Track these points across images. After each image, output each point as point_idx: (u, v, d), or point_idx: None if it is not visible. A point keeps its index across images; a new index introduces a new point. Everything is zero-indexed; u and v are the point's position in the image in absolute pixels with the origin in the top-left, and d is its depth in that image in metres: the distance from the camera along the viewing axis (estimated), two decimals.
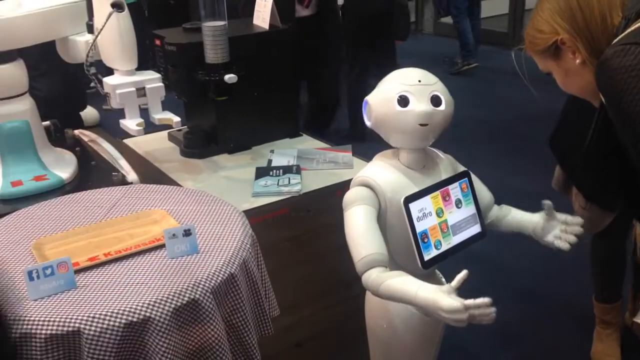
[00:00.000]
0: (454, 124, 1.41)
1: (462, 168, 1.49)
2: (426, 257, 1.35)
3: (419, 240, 1.33)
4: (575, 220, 1.39)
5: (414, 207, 1.33)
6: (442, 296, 1.17)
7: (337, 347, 1.90)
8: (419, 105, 1.32)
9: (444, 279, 1.57)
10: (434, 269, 1.51)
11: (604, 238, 2.01)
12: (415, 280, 1.25)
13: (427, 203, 1.35)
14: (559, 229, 1.43)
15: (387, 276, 1.27)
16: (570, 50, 1.15)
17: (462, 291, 1.21)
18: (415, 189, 1.36)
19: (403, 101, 1.32)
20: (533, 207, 1.43)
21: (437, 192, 1.38)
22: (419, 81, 1.34)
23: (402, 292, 1.24)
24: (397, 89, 1.33)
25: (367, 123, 1.38)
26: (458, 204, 1.41)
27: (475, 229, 1.44)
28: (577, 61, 1.15)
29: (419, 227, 1.33)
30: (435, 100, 1.34)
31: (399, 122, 1.33)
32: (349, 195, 1.36)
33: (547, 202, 1.40)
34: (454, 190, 1.41)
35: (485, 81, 5.39)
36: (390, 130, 1.36)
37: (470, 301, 1.15)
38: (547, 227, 1.44)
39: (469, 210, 1.43)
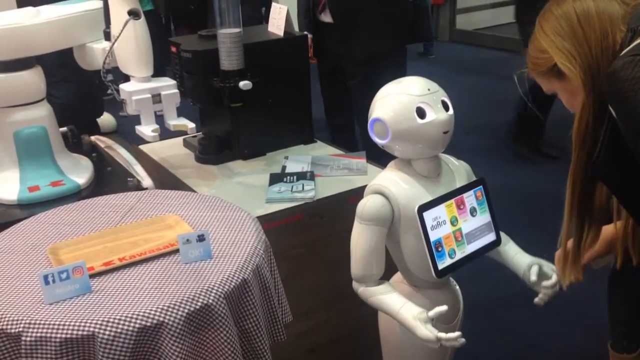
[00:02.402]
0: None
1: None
2: (440, 266, 1.34)
3: (433, 249, 1.33)
4: (550, 283, 1.43)
5: (428, 215, 1.32)
6: (419, 325, 1.29)
7: (351, 353, 1.90)
8: (438, 114, 1.32)
9: (457, 287, 1.56)
10: (448, 277, 1.50)
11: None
12: (400, 299, 1.36)
13: (441, 212, 1.35)
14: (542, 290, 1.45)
15: (376, 291, 1.39)
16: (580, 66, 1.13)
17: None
18: (429, 198, 1.35)
19: (420, 113, 1.31)
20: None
21: (452, 201, 1.37)
22: (429, 90, 1.33)
23: (387, 309, 1.37)
24: (412, 102, 1.31)
25: (381, 142, 1.36)
26: (473, 212, 1.40)
27: (490, 237, 1.43)
28: None
29: (433, 236, 1.33)
30: (445, 106, 1.34)
31: (423, 134, 1.32)
32: (367, 209, 1.36)
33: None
34: (469, 198, 1.40)
35: (502, 88, 5.36)
36: (412, 144, 1.34)
37: (442, 335, 1.26)
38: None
39: (484, 218, 1.42)
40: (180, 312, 1.12)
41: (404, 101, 1.32)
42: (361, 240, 1.37)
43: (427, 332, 1.27)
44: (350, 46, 3.00)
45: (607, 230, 1.32)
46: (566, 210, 1.20)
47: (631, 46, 1.04)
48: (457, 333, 1.27)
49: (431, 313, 1.29)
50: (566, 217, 1.21)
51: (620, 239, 1.30)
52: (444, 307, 1.30)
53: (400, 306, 1.34)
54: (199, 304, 1.14)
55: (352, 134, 3.35)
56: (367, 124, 1.38)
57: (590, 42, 1.09)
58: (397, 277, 1.52)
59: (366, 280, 1.40)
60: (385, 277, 1.55)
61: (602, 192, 1.20)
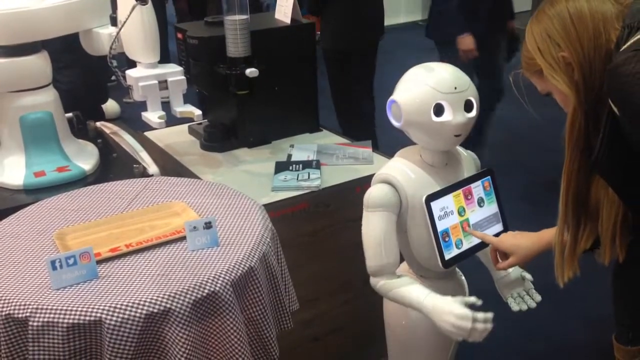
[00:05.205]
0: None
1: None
2: (447, 256, 1.34)
3: (440, 239, 1.32)
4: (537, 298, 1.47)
5: (436, 205, 1.32)
6: (456, 304, 1.25)
7: (355, 341, 1.90)
8: (455, 116, 1.27)
9: (463, 277, 1.56)
10: (454, 268, 1.50)
11: None
12: (424, 289, 1.31)
13: (448, 202, 1.34)
14: (522, 290, 1.48)
15: (397, 284, 1.34)
16: (570, 68, 1.13)
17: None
18: (437, 187, 1.35)
19: (438, 110, 1.27)
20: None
21: (459, 191, 1.36)
22: (455, 88, 1.27)
23: (410, 298, 1.32)
24: (433, 98, 1.27)
25: (396, 123, 1.35)
26: (480, 202, 1.40)
27: (497, 227, 1.43)
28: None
29: (440, 226, 1.32)
30: (468, 106, 1.30)
31: (434, 131, 1.29)
32: (373, 196, 1.35)
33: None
34: (477, 188, 1.39)
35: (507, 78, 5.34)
36: (421, 135, 1.33)
37: (479, 314, 1.22)
38: (510, 284, 1.49)
39: (491, 209, 1.41)
40: (187, 299, 1.12)
41: (424, 94, 1.27)
42: (370, 228, 1.35)
43: (465, 309, 1.23)
44: (324, 35, 3.07)
45: None
46: (561, 207, 1.19)
47: (631, 42, 1.04)
48: (491, 314, 1.24)
49: (465, 299, 1.27)
50: (561, 213, 1.19)
51: (609, 235, 1.28)
52: (475, 299, 1.28)
53: (426, 295, 1.29)
54: (206, 291, 1.14)
55: (356, 119, 3.35)
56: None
57: (583, 41, 1.08)
58: (404, 267, 1.52)
59: (382, 272, 1.35)
60: None
61: (598, 187, 1.19)
